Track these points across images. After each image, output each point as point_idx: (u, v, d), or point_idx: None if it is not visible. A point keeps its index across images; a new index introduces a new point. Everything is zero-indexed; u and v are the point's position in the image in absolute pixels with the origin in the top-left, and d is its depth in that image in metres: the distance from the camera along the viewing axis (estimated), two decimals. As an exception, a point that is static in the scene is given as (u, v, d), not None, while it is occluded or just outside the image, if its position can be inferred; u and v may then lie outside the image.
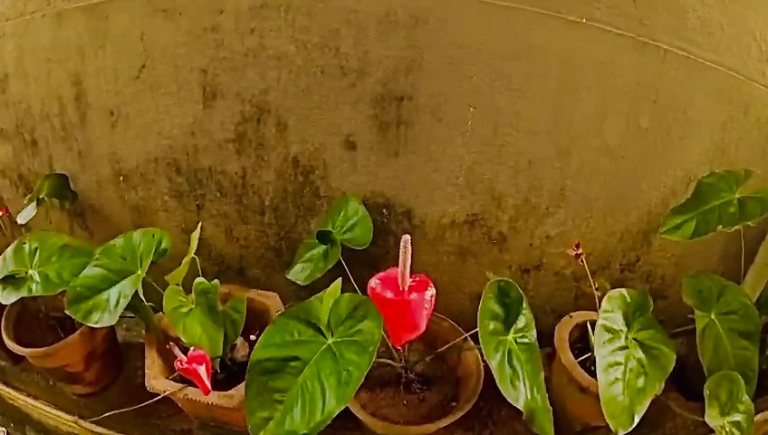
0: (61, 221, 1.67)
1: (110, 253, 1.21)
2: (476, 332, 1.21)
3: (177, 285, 1.17)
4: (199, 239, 1.49)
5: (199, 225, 1.22)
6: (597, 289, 1.23)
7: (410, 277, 0.94)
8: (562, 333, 1.30)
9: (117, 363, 1.56)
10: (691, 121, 1.25)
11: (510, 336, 1.01)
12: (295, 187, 1.35)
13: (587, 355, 1.25)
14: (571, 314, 1.34)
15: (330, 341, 0.91)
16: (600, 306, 1.14)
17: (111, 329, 1.50)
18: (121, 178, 1.49)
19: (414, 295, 0.92)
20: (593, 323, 1.25)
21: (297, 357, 0.89)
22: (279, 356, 0.89)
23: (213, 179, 1.39)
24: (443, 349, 1.23)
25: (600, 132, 1.24)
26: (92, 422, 1.39)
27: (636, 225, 1.37)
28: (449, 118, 1.22)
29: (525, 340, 1.01)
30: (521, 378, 0.96)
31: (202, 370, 0.93)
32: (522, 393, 0.95)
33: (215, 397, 1.09)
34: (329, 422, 0.82)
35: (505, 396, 0.94)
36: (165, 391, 1.15)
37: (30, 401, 1.49)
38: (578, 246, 1.16)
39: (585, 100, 1.21)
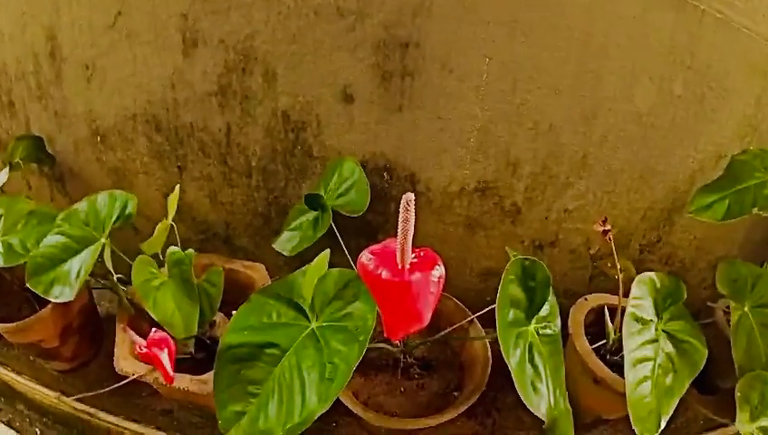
0: (41, 187, 1.50)
1: (73, 219, 1.02)
2: (484, 313, 1.05)
3: (159, 256, 0.99)
4: (182, 205, 1.32)
5: (177, 187, 1.04)
6: (621, 271, 1.06)
7: (413, 252, 0.71)
8: (577, 317, 1.13)
9: (97, 338, 1.40)
10: (725, 92, 1.07)
11: (531, 326, 0.81)
12: (285, 145, 1.16)
13: (601, 342, 1.09)
14: (587, 296, 1.18)
15: (314, 325, 0.72)
16: (621, 290, 0.98)
17: (90, 301, 1.34)
18: (99, 139, 1.31)
19: (417, 276, 0.68)
20: (611, 308, 1.11)
21: (275, 343, 0.71)
22: (253, 341, 0.71)
23: (195, 137, 1.20)
24: (446, 332, 1.05)
25: (629, 96, 1.05)
26: (74, 400, 1.24)
27: (660, 202, 1.19)
28: (461, 69, 1.02)
29: (548, 331, 0.82)
30: (543, 378, 0.77)
31: (164, 356, 0.75)
32: (543, 398, 0.76)
33: (187, 382, 0.92)
34: (308, 425, 0.64)
35: (526, 403, 0.75)
36: (134, 374, 0.98)
37: (14, 376, 1.35)
38: (605, 222, 0.98)
39: (614, 58, 1.02)
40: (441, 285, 0.70)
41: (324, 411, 0.67)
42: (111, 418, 1.24)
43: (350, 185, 1.05)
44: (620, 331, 1.05)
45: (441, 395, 1.05)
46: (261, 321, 0.72)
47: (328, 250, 0.74)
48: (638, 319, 0.93)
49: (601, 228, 0.97)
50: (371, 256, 0.67)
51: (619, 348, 1.08)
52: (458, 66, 1.01)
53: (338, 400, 0.93)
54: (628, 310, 0.93)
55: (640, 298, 0.95)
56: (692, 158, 1.13)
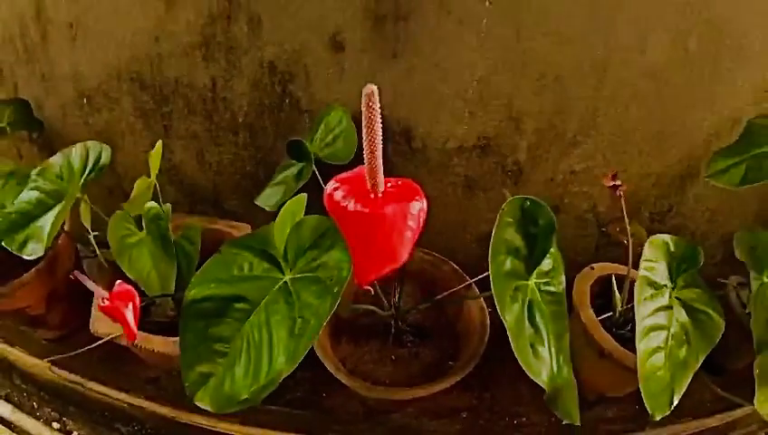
0: (31, 155, 1.42)
1: (47, 173, 0.93)
2: (484, 277, 0.95)
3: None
4: (170, 166, 1.22)
5: (159, 142, 0.94)
6: (632, 235, 0.95)
7: (388, 182, 0.57)
8: (583, 286, 1.03)
9: (86, 305, 1.31)
10: (743, 52, 0.95)
11: (532, 281, 0.70)
12: (272, 99, 1.04)
13: (607, 314, 0.99)
14: (593, 265, 1.07)
15: (287, 277, 0.61)
16: (632, 257, 0.89)
17: (77, 265, 1.25)
18: (85, 100, 1.23)
19: (392, 207, 0.54)
20: (618, 278, 1.01)
21: (244, 297, 0.60)
22: (220, 295, 0.61)
23: (179, 94, 1.09)
24: (441, 296, 0.94)
25: (643, 47, 0.93)
26: (59, 366, 1.17)
27: (673, 168, 1.07)
28: (461, 11, 0.89)
29: (551, 288, 0.70)
30: (545, 341, 0.66)
31: (128, 311, 0.65)
32: (545, 364, 0.65)
33: (160, 343, 0.82)
34: (274, 387, 0.54)
35: (523, 367, 0.63)
36: (109, 335, 0.88)
37: (7, 347, 1.27)
38: (615, 177, 0.86)
39: (628, 3, 0.90)
40: (422, 221, 0.55)
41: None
42: (101, 388, 1.16)
43: (337, 134, 0.93)
44: (628, 302, 0.96)
45: (435, 365, 0.94)
46: (230, 274, 0.62)
47: (304, 194, 0.63)
48: (650, 283, 0.82)
49: (611, 183, 0.86)
50: (339, 184, 0.52)
51: (626, 321, 1.00)
52: (457, 7, 0.89)
53: (324, 368, 0.83)
54: (641, 273, 0.82)
55: (653, 261, 0.85)
56: (707, 120, 1.02)
